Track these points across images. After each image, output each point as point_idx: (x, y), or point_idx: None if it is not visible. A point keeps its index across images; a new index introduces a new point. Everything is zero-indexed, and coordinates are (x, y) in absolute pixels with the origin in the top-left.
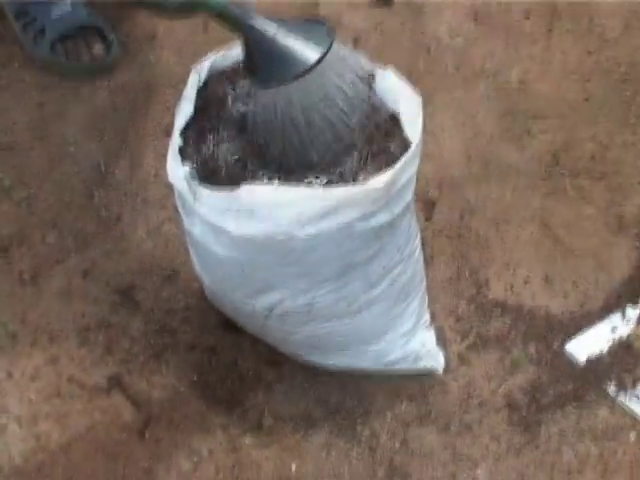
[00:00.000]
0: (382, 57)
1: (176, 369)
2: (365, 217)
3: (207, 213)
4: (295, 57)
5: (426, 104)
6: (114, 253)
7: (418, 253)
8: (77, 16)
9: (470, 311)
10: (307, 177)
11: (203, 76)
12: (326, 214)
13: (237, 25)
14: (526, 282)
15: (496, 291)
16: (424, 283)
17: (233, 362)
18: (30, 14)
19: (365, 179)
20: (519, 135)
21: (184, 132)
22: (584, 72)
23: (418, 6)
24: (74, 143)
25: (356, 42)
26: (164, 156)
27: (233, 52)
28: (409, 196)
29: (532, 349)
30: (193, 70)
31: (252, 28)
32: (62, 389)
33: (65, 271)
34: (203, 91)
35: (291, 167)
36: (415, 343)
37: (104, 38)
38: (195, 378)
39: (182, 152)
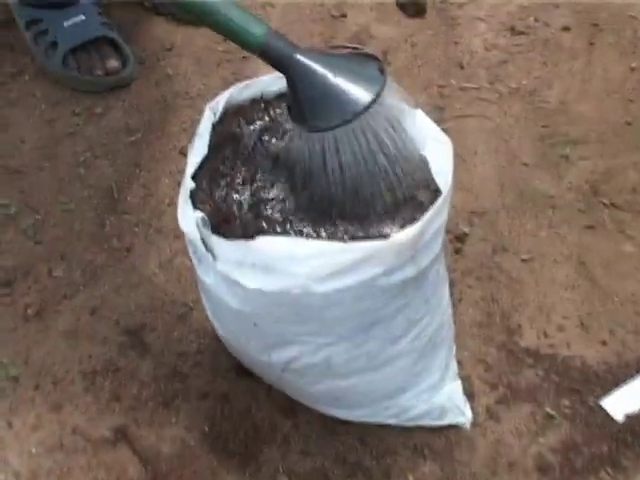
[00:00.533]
0: (412, 73)
1: (186, 418)
2: (389, 272)
3: (220, 264)
4: (347, 97)
5: (458, 125)
6: (124, 288)
7: (447, 301)
8: (91, 27)
9: (500, 360)
10: (327, 227)
11: (218, 113)
12: (346, 270)
13: (281, 62)
14: (560, 329)
15: (528, 338)
16: (452, 332)
17: (247, 410)
18: (42, 23)
19: (390, 231)
20: (556, 162)
21: (197, 174)
22: (627, 91)
23: (451, 17)
24: (85, 165)
25: (385, 55)
26: (179, 183)
27: (251, 86)
28: (437, 247)
29: (565, 403)
30: (207, 107)
31: (298, 64)
32: (65, 441)
33: (72, 308)
34: (218, 127)
35: (312, 215)
36: (441, 397)
37: (119, 50)
38: (206, 429)
39: (194, 196)
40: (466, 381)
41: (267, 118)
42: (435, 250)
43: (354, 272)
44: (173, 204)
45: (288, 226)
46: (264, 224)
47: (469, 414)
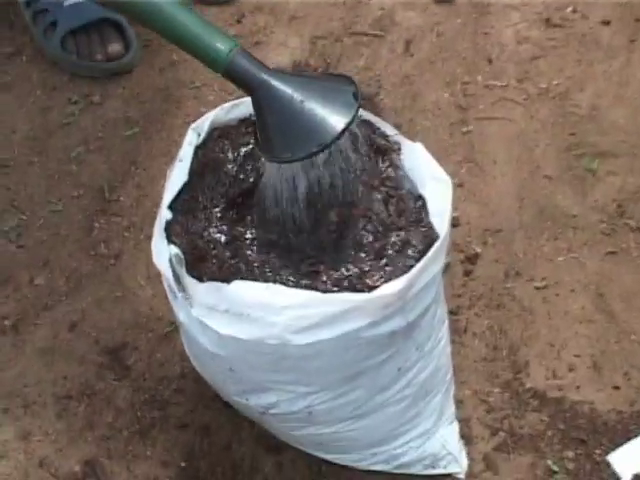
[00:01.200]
0: (435, 67)
1: (163, 451)
2: (374, 324)
3: (194, 308)
4: (317, 125)
5: (480, 129)
6: (107, 302)
7: (444, 343)
8: (93, 7)
9: (504, 401)
10: (308, 271)
11: (202, 135)
12: (326, 322)
13: (247, 83)
14: (571, 369)
15: (536, 378)
16: (450, 373)
17: (228, 445)
18: (41, 1)
19: (377, 279)
20: (582, 176)
21: (174, 203)
22: None
23: (483, 5)
24: (77, 160)
25: (408, 45)
26: None
27: (239, 106)
28: (430, 297)
29: (569, 455)
30: (190, 128)
31: (265, 87)
32: (31, 476)
33: (52, 321)
34: (201, 151)
35: (292, 256)
36: (434, 443)
37: (123, 33)
38: (183, 464)
39: (170, 228)
40: (465, 423)
41: (253, 142)
42: (427, 300)
43: (335, 324)
44: None
45: (267, 268)
46: (241, 265)
47: (464, 463)
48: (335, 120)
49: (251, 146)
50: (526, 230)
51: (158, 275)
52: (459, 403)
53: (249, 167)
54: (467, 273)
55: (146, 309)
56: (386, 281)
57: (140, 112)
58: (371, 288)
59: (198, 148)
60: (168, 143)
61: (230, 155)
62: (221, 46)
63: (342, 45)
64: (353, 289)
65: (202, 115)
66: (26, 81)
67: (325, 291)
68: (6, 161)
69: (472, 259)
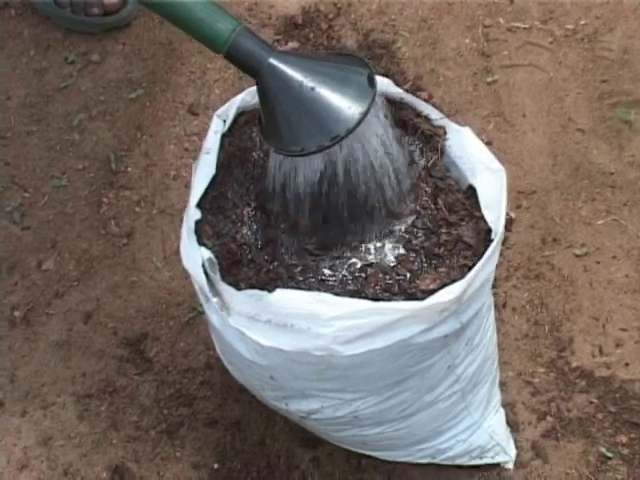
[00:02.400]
0: (453, 9)
1: (193, 452)
2: (428, 330)
3: (231, 317)
4: (330, 115)
5: (506, 78)
6: (123, 288)
7: (491, 332)
8: None
9: (549, 382)
10: (354, 274)
11: (228, 122)
12: (377, 332)
13: (251, 66)
14: (618, 344)
15: (581, 355)
16: (497, 361)
17: (261, 441)
18: None
19: (432, 282)
20: (617, 128)
21: (202, 200)
22: None
23: None
24: (80, 128)
25: None
26: (186, 150)
27: None
28: (484, 297)
29: (623, 440)
30: (215, 115)
31: (272, 71)
32: None
33: (64, 311)
34: (227, 140)
35: (333, 259)
36: (481, 435)
37: None
38: (215, 465)
39: (199, 228)
40: (510, 409)
41: (258, 129)
42: (482, 299)
43: (387, 334)
44: (179, 177)
45: (309, 274)
46: (280, 270)
47: (512, 452)
48: (350, 109)
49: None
50: (561, 191)
51: (175, 254)
52: (502, 386)
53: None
54: (502, 241)
55: (165, 294)
56: (440, 284)
57: (143, 71)
58: (424, 292)
59: (224, 136)
60: (174, 104)
61: (259, 142)
62: (222, 26)
63: None
64: (404, 294)
65: (207, 72)
66: (17, 39)
67: (375, 297)
68: (3, 132)
69: (507, 225)
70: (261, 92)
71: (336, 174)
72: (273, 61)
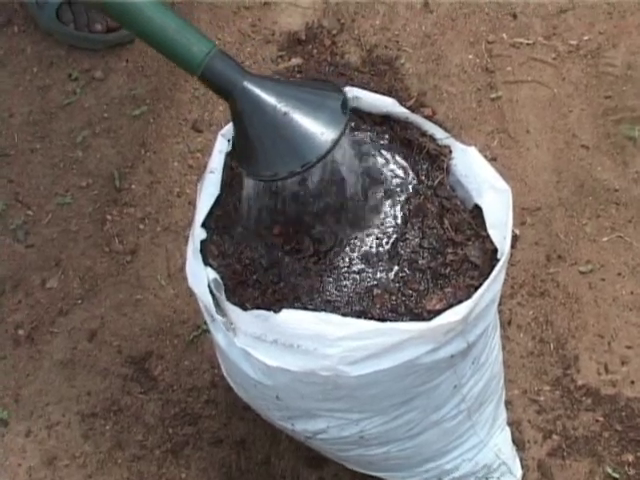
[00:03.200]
0: (457, 24)
1: (198, 472)
2: (434, 350)
3: (237, 338)
4: (302, 140)
5: (510, 94)
6: (127, 306)
7: (497, 350)
8: None
9: (554, 399)
10: (359, 295)
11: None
12: (384, 352)
13: (225, 89)
14: (624, 361)
15: (587, 373)
16: (502, 379)
17: (266, 460)
18: None
19: (437, 302)
20: (621, 144)
21: (208, 219)
22: None
23: None
24: (83, 145)
25: (426, 1)
26: (190, 167)
27: None
28: (490, 316)
29: (630, 459)
30: (220, 134)
31: (245, 94)
32: None
33: (69, 329)
34: (230, 158)
35: (338, 280)
36: (487, 454)
37: None
38: None
39: (205, 248)
40: (516, 427)
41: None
42: (489, 319)
43: (394, 354)
44: (183, 194)
45: (315, 294)
46: (286, 290)
47: (518, 472)
48: (322, 135)
49: None
50: (566, 207)
51: (179, 272)
52: (508, 404)
53: None
54: None
55: (169, 312)
56: (446, 304)
57: (146, 87)
58: (430, 312)
59: (228, 155)
60: (178, 122)
61: None
62: (196, 48)
63: (357, 3)
64: (410, 314)
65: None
66: (20, 55)
67: (381, 318)
68: (6, 149)
69: (512, 242)
70: (234, 115)
71: (308, 191)
72: (247, 84)
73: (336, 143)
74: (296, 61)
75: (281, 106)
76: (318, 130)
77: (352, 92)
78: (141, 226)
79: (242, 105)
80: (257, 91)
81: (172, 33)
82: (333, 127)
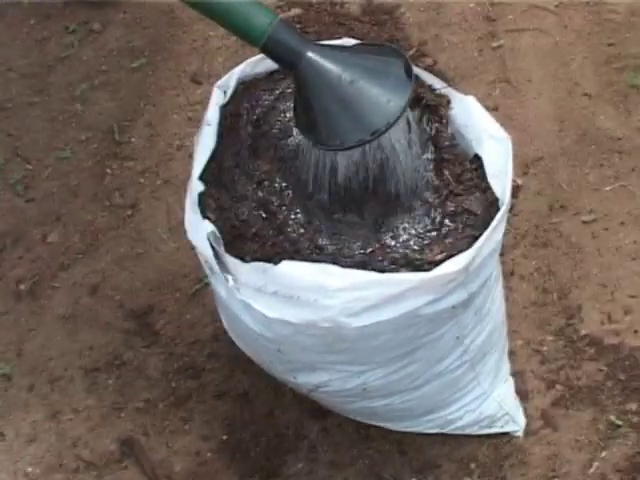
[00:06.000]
0: None
1: (202, 424)
2: (435, 301)
3: (237, 287)
4: (369, 109)
5: (512, 42)
6: (128, 259)
7: (499, 301)
8: None
9: (557, 349)
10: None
11: (229, 93)
12: (384, 303)
13: (288, 59)
14: (627, 311)
15: (590, 323)
16: (505, 331)
17: (269, 413)
18: None
19: (439, 253)
20: (624, 92)
21: (205, 172)
22: None
23: None
24: (82, 99)
25: None
26: (190, 119)
27: (266, 60)
28: (492, 266)
29: (632, 408)
30: (216, 86)
31: (310, 64)
32: (65, 459)
33: (70, 284)
34: (228, 110)
35: (340, 233)
36: (490, 405)
37: None
38: (224, 437)
39: (203, 201)
40: (520, 377)
41: (294, 122)
42: (490, 269)
43: (394, 305)
44: (183, 147)
45: (315, 247)
46: (286, 244)
47: (522, 421)
48: (389, 103)
49: (275, 98)
50: (568, 157)
51: (180, 225)
52: (511, 355)
53: (280, 124)
54: (509, 208)
55: (170, 266)
56: (447, 255)
57: (144, 39)
58: (430, 263)
59: (224, 107)
60: (177, 73)
61: (259, 112)
62: (259, 19)
63: None
64: (411, 265)
65: (210, 39)
66: (16, 8)
67: (382, 269)
68: (4, 103)
69: (514, 192)
70: (298, 86)
71: (365, 162)
72: (311, 54)
73: (404, 110)
74: (295, 11)
75: (346, 75)
76: (385, 97)
77: (348, 43)
78: (141, 180)
79: (307, 75)
80: (321, 61)
81: (234, 5)
82: (399, 94)
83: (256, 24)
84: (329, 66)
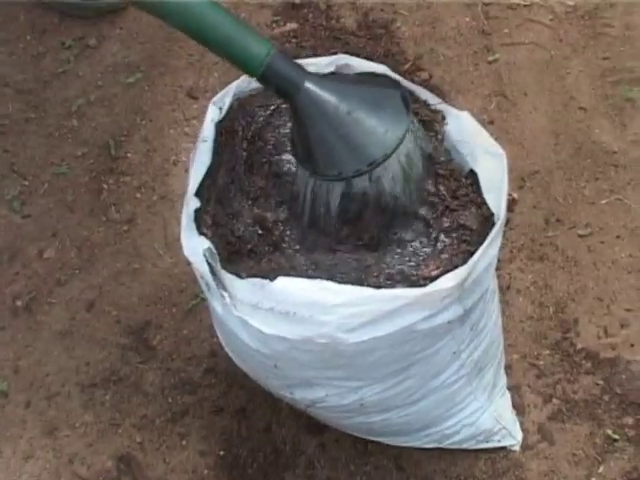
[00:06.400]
0: None
1: (199, 440)
2: (431, 317)
3: (233, 304)
4: (366, 139)
5: (507, 56)
6: (125, 274)
7: (496, 315)
8: None
9: (554, 363)
10: (357, 262)
11: (224, 110)
12: (380, 319)
13: (286, 90)
14: (623, 324)
15: (586, 337)
16: (502, 345)
17: (267, 428)
18: None
19: (432, 268)
20: (620, 106)
21: (201, 188)
22: None
23: None
24: (78, 114)
25: None
26: (186, 134)
27: None
28: (487, 282)
29: (629, 422)
30: (211, 103)
31: (307, 95)
32: (62, 476)
33: (67, 299)
34: (223, 126)
35: (335, 250)
36: (487, 419)
37: None
38: (221, 452)
39: (199, 217)
40: (516, 392)
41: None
42: (486, 284)
43: (390, 321)
44: (179, 162)
45: (311, 263)
46: (282, 260)
47: (519, 435)
48: (386, 134)
49: (269, 114)
50: (564, 170)
51: (176, 240)
52: (508, 369)
53: (271, 142)
54: (505, 222)
55: (167, 281)
56: (443, 270)
57: (140, 55)
58: (426, 279)
59: (219, 123)
60: (173, 89)
61: (251, 130)
62: (256, 49)
63: None
64: (407, 281)
65: (206, 54)
66: (13, 23)
67: (377, 285)
68: (1, 119)
69: (509, 206)
70: (295, 115)
71: (363, 187)
72: (308, 85)
73: (402, 141)
74: (291, 26)
75: (344, 106)
76: (382, 128)
77: (343, 59)
78: (138, 195)
79: (304, 105)
80: (319, 91)
81: (231, 34)
82: (397, 124)
83: (254, 54)
84: (327, 96)
